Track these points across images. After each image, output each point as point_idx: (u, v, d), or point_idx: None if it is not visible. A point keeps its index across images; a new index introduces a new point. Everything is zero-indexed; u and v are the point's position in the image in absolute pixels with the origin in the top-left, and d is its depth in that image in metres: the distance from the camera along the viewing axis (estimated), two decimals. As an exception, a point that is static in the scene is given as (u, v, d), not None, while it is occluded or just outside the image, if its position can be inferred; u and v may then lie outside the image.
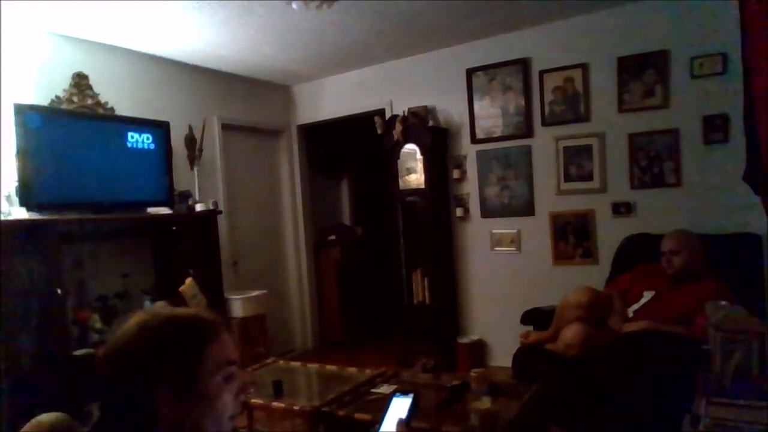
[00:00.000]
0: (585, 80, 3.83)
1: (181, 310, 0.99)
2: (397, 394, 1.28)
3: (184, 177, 4.05)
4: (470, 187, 4.36)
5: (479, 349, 4.29)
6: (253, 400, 2.56)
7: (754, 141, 1.88)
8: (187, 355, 0.89)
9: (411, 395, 1.24)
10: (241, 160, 4.79)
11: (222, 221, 4.20)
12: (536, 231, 4.08)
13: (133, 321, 0.91)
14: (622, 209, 3.74)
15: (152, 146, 3.61)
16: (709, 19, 3.36)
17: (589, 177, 3.85)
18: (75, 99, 3.41)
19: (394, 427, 1.16)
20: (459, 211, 4.38)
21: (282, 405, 2.46)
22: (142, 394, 0.85)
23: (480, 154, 4.28)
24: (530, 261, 4.11)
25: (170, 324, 0.92)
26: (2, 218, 2.80)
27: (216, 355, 0.91)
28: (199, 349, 0.90)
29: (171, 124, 3.77)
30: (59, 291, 2.92)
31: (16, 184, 2.92)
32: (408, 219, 4.46)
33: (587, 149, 3.85)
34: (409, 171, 4.39)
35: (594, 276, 3.49)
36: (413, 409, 1.21)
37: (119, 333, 0.90)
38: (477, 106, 4.26)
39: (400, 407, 1.23)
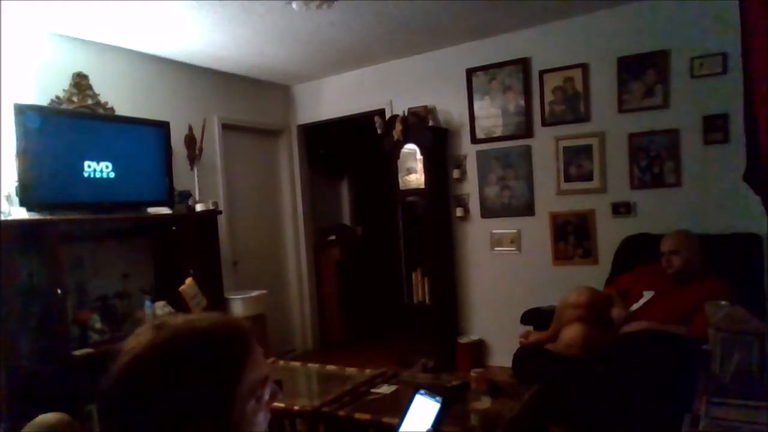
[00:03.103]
0: (585, 80, 3.83)
1: (204, 322, 0.78)
2: (422, 391, 1.13)
3: (184, 177, 4.05)
4: (470, 187, 4.36)
5: (479, 349, 4.29)
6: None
7: (754, 141, 1.87)
8: (221, 387, 0.74)
9: (439, 400, 1.09)
10: (241, 160, 4.79)
11: (222, 221, 4.20)
12: (536, 231, 4.08)
13: (146, 340, 0.73)
14: (622, 209, 3.74)
15: (152, 146, 3.61)
16: (709, 19, 3.35)
17: (589, 177, 3.85)
18: (75, 99, 3.41)
19: (415, 428, 1.05)
20: (459, 211, 4.38)
21: (282, 405, 2.46)
22: None
23: (480, 154, 4.28)
24: (530, 261, 4.11)
25: (197, 348, 0.74)
26: (2, 218, 2.80)
27: (251, 378, 0.77)
28: (233, 377, 0.75)
29: (171, 124, 3.77)
30: (59, 291, 2.92)
31: (16, 184, 2.92)
32: (408, 219, 4.46)
33: (587, 149, 3.85)
34: (409, 171, 4.39)
35: (594, 276, 3.48)
36: (441, 417, 1.07)
37: (133, 358, 0.72)
38: (477, 106, 4.26)
39: (423, 408, 1.10)
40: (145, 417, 0.70)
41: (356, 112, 4.90)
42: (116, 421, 0.73)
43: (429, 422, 1.07)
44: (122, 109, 3.64)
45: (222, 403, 0.73)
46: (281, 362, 3.31)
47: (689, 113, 3.47)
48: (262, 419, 0.80)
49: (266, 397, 0.80)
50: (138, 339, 0.74)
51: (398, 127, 4.26)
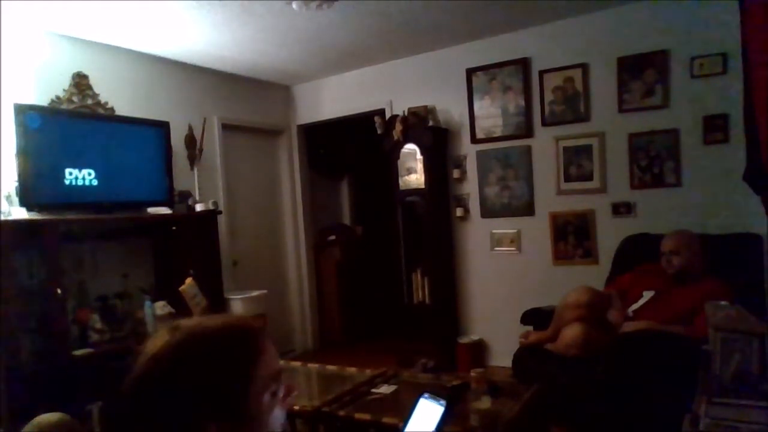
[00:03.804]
0: (585, 80, 3.83)
1: (217, 322, 0.83)
2: (426, 395, 1.12)
3: (184, 177, 4.05)
4: (470, 187, 4.36)
5: (479, 349, 4.29)
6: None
7: (754, 141, 1.88)
8: (236, 382, 0.77)
9: (443, 403, 1.08)
10: (241, 160, 4.79)
11: (222, 221, 4.20)
12: (536, 231, 4.08)
13: (163, 341, 0.78)
14: (622, 209, 3.74)
15: (152, 146, 3.61)
16: (709, 19, 3.35)
17: (589, 177, 3.85)
18: (75, 99, 3.41)
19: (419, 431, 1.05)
20: (459, 211, 4.38)
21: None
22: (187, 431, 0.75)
23: (480, 154, 4.28)
24: (530, 261, 4.11)
25: (211, 346, 0.79)
26: (2, 218, 2.80)
27: (264, 373, 0.80)
28: (247, 372, 0.79)
29: (171, 124, 3.77)
30: (59, 291, 2.92)
31: (16, 184, 2.92)
32: (408, 219, 4.46)
33: (587, 149, 3.85)
34: (409, 171, 4.38)
35: (594, 276, 3.48)
36: (444, 420, 1.06)
37: (151, 358, 0.76)
38: (477, 106, 4.26)
39: (427, 411, 1.08)
40: (164, 414, 0.74)
41: (356, 112, 4.90)
42: (136, 420, 0.76)
43: (432, 425, 1.06)
44: (122, 109, 3.64)
45: (237, 399, 0.77)
46: (281, 362, 3.30)
47: (689, 113, 3.47)
48: (278, 414, 0.83)
49: (280, 393, 0.84)
50: (155, 341, 0.79)
51: (398, 127, 4.26)
